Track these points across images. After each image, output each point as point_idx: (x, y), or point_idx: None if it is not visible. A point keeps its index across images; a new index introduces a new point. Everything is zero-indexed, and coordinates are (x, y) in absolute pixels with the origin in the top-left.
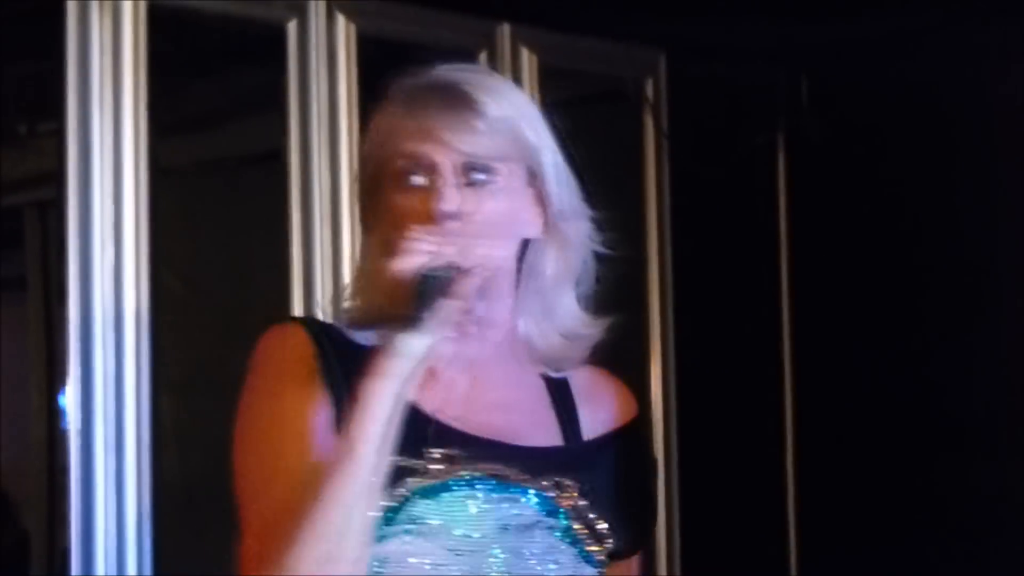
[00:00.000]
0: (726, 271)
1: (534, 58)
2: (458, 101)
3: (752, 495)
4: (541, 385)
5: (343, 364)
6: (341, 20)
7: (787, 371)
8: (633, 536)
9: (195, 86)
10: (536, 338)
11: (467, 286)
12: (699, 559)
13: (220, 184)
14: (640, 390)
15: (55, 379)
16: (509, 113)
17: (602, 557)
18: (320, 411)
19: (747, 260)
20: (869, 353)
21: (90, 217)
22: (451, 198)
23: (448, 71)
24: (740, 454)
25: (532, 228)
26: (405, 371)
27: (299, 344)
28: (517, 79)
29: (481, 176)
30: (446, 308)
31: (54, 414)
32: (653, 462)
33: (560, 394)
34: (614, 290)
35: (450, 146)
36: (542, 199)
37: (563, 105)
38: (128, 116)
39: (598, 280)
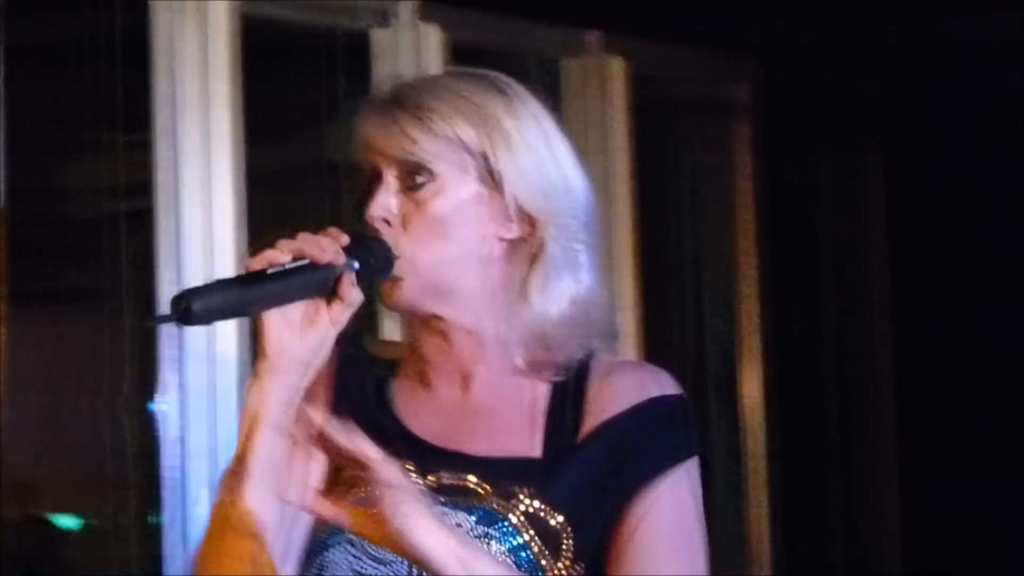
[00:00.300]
0: (820, 276)
1: (623, 65)
2: (396, 106)
3: (853, 503)
4: (538, 391)
5: (359, 379)
6: (429, 28)
7: (886, 375)
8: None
9: (284, 93)
10: (516, 343)
11: (402, 290)
12: (801, 566)
13: (311, 191)
14: (733, 397)
15: (148, 389)
16: (450, 114)
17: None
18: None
19: (842, 265)
20: (969, 351)
21: (181, 226)
22: (380, 203)
23: (411, 77)
24: (839, 462)
25: (490, 229)
26: (278, 368)
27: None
28: (606, 87)
29: (420, 179)
30: (338, 310)
31: (147, 424)
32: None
33: (566, 399)
34: (709, 295)
35: (385, 152)
36: (502, 199)
37: (653, 112)
38: (218, 123)
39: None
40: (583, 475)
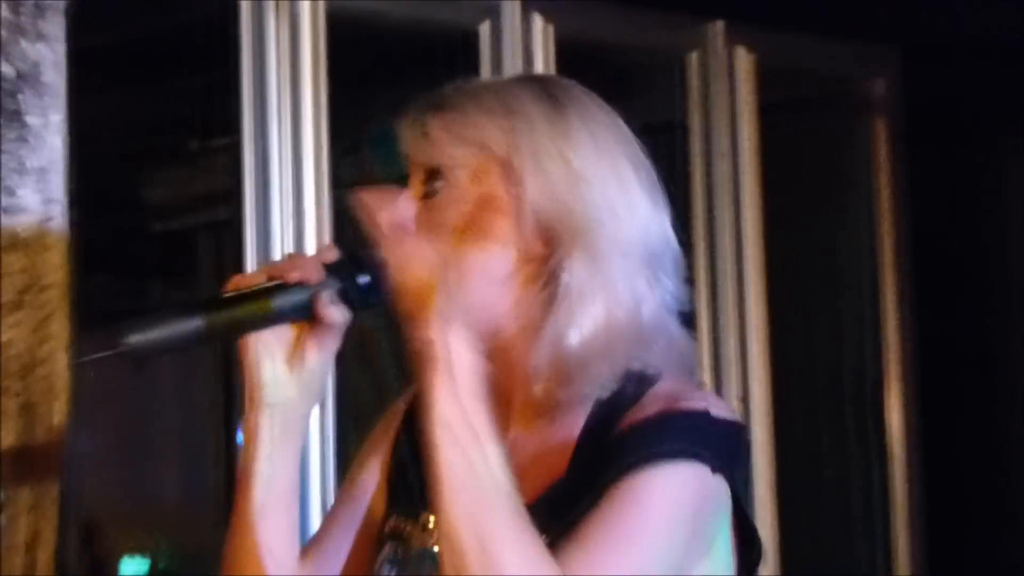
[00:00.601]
0: (970, 285)
1: (751, 58)
2: (429, 110)
3: (1004, 537)
4: (574, 425)
5: None
6: (538, 21)
7: None
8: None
9: (379, 94)
10: (539, 373)
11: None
12: None
13: None
14: (876, 420)
15: (234, 412)
16: (478, 116)
17: None
18: (373, 453)
19: (992, 270)
20: None
21: (270, 237)
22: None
23: (474, 78)
24: (991, 491)
25: (510, 243)
26: (260, 403)
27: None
28: (732, 83)
29: (436, 184)
30: (322, 334)
31: (231, 455)
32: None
33: (596, 432)
34: (846, 310)
35: (411, 157)
36: (524, 211)
37: (784, 109)
38: (309, 128)
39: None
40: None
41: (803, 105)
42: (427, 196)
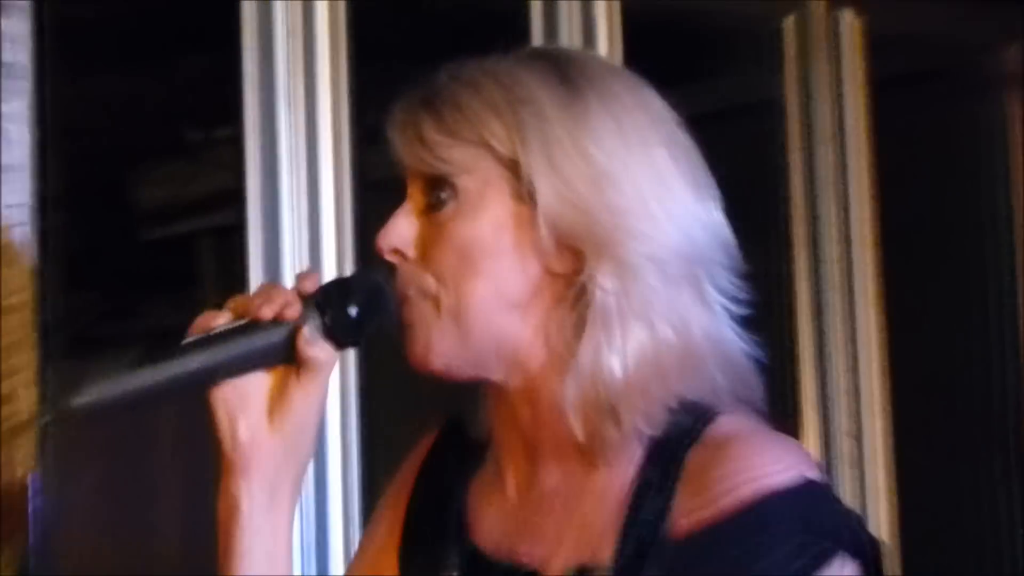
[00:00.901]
0: None
1: (858, 23)
2: (421, 104)
3: None
4: (618, 473)
5: (449, 467)
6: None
7: None
8: None
9: (406, 71)
10: (573, 411)
11: (420, 344)
12: None
13: None
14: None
15: None
16: (480, 110)
17: None
18: (389, 506)
19: None
20: None
21: (279, 244)
22: (391, 229)
23: (455, 65)
24: None
25: (531, 260)
26: (239, 465)
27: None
28: (836, 52)
29: (441, 195)
30: (306, 378)
31: None
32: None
33: (650, 484)
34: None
35: (405, 162)
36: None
37: (897, 82)
38: (326, 117)
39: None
40: None
41: (921, 78)
42: (429, 210)
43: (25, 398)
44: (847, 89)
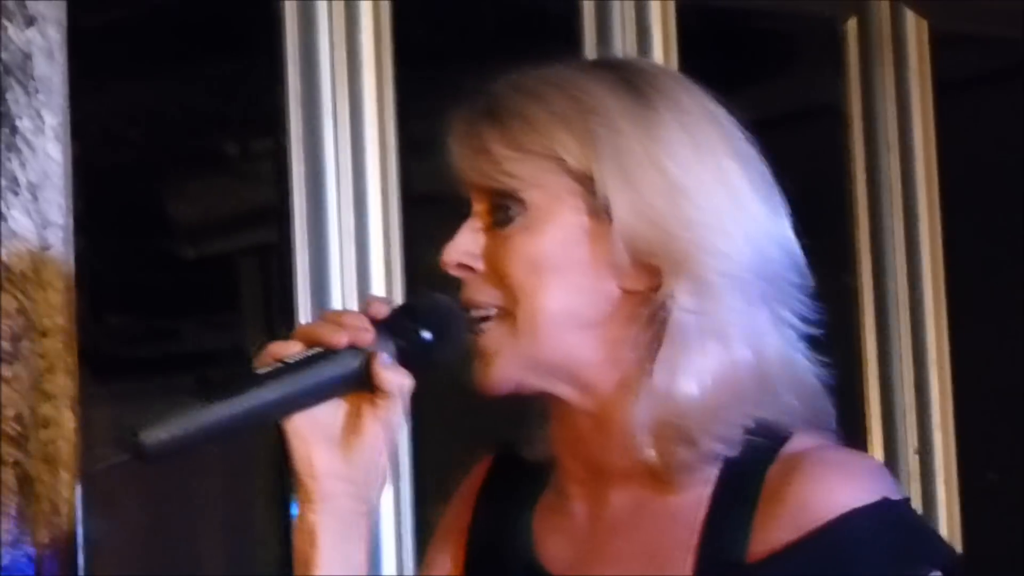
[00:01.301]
0: None
1: (924, 24)
2: (484, 116)
3: None
4: (693, 494)
5: (509, 491)
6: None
7: None
8: None
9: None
10: (646, 431)
11: (492, 362)
12: None
13: None
14: None
15: (286, 484)
16: (548, 122)
17: None
18: (449, 538)
19: None
20: None
21: (326, 264)
22: (457, 245)
23: (516, 76)
24: None
25: (605, 276)
26: (317, 496)
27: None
28: (900, 54)
29: (510, 212)
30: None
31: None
32: None
33: (728, 505)
34: None
35: (468, 178)
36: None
37: (965, 86)
38: (372, 129)
39: None
40: None
41: (990, 82)
42: (496, 224)
43: (66, 422)
44: (912, 93)
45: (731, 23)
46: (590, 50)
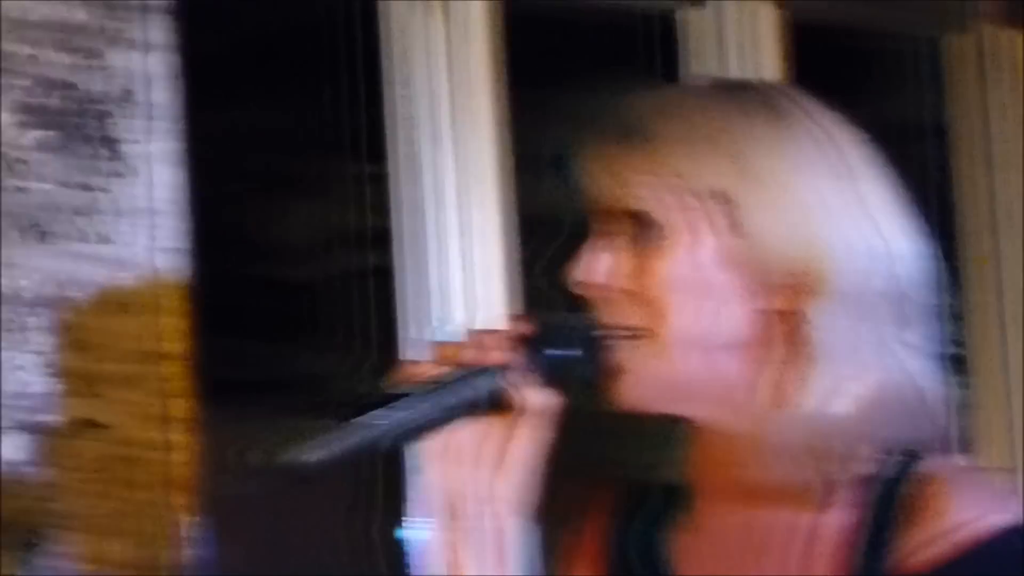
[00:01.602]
0: None
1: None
2: (616, 136)
3: None
4: (834, 516)
5: (651, 509)
6: (760, 5)
7: None
8: None
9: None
10: (782, 454)
11: (627, 384)
12: None
13: None
14: None
15: (396, 509)
16: (686, 145)
17: None
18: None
19: None
20: None
21: (427, 288)
22: (591, 266)
23: (647, 95)
24: None
25: (743, 298)
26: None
27: (598, 490)
28: (1000, 72)
29: (646, 230)
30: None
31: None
32: None
33: (872, 525)
34: None
35: (602, 198)
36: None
37: None
38: (481, 148)
39: None
40: None
41: None
42: (633, 245)
43: (185, 447)
44: (1016, 113)
45: (835, 41)
46: (697, 70)
